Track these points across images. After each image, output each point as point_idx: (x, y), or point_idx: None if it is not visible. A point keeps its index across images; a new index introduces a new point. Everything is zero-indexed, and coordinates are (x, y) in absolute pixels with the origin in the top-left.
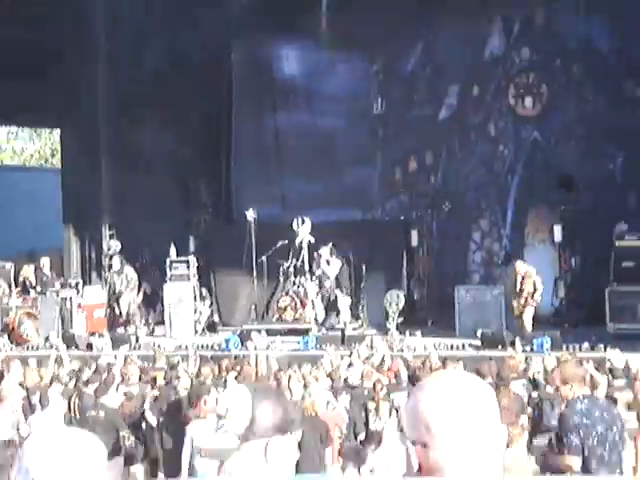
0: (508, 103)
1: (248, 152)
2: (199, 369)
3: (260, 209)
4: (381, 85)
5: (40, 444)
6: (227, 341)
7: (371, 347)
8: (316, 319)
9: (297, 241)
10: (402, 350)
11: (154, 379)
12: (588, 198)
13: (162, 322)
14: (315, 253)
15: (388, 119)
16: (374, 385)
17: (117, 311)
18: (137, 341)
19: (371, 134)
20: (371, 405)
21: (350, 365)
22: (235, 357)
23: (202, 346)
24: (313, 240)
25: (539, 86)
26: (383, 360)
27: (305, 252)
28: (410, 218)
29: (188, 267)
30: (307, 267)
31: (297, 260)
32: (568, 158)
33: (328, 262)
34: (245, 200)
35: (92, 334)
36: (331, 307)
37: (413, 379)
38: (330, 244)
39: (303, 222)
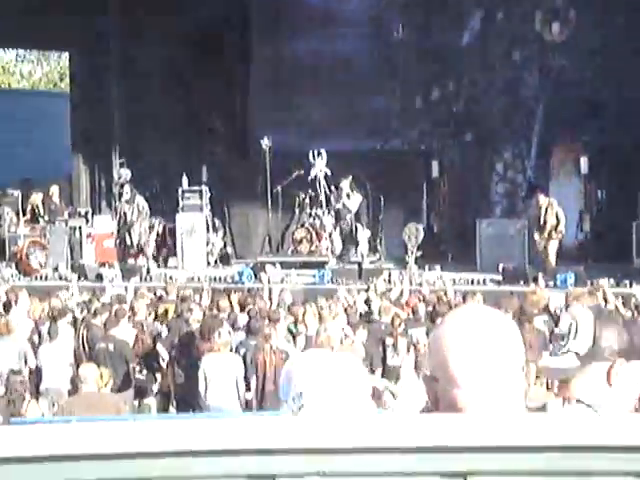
0: (534, 29)
1: (264, 78)
2: (212, 302)
3: (275, 137)
4: (402, 10)
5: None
6: (240, 274)
7: (389, 281)
8: (332, 252)
9: (313, 173)
10: (421, 285)
11: (165, 312)
12: (616, 128)
13: (174, 253)
14: (333, 187)
15: (409, 45)
16: (392, 320)
17: (128, 241)
18: (148, 273)
19: (391, 60)
20: (389, 340)
21: (367, 300)
22: (249, 290)
23: (215, 278)
24: (330, 172)
25: (567, 11)
26: (401, 295)
27: (322, 184)
28: (431, 148)
29: (201, 197)
30: (324, 199)
31: (313, 191)
32: (596, 85)
33: (348, 196)
34: (260, 128)
35: (102, 264)
36: (349, 240)
37: (432, 315)
38: (350, 177)
39: (319, 154)
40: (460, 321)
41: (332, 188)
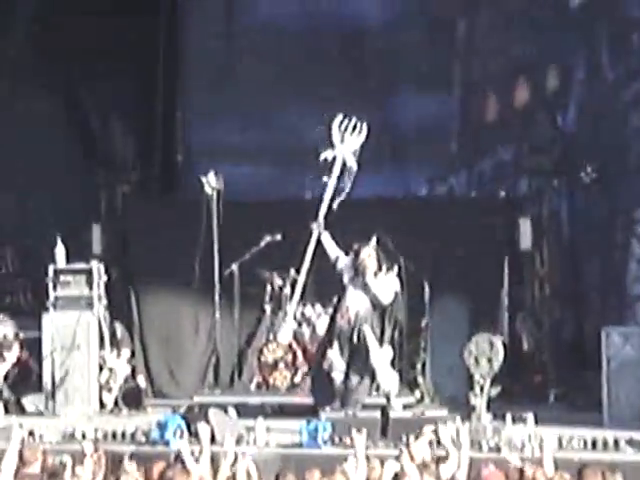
0: None
1: (203, 75)
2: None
3: (229, 173)
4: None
5: None
6: (162, 426)
7: (438, 442)
8: (332, 387)
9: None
10: (499, 448)
11: None
12: None
13: (39, 389)
14: (348, 256)
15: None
16: None
17: None
18: None
19: (439, 38)
20: None
21: (400, 475)
22: (176, 457)
23: (113, 435)
24: (327, 234)
25: None
26: (459, 466)
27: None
28: (517, 194)
29: (89, 281)
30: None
31: (300, 273)
32: None
33: (376, 275)
34: (199, 157)
35: None
36: (362, 365)
37: None
38: (374, 239)
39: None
40: None
41: (340, 259)
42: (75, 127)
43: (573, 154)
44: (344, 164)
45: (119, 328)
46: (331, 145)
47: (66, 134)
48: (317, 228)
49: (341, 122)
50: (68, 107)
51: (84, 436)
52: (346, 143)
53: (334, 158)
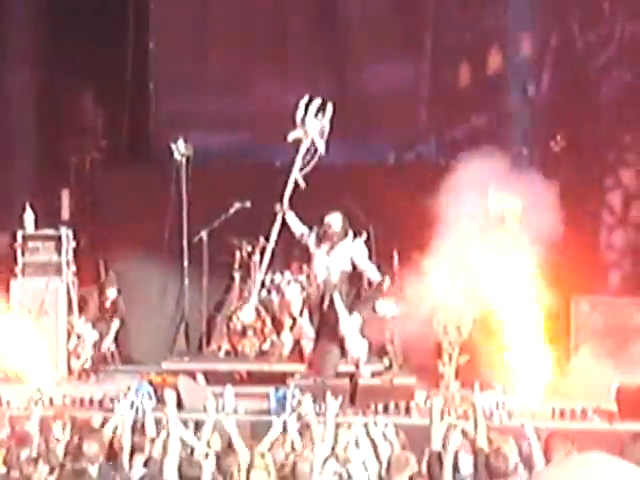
0: None
1: (174, 30)
2: (72, 442)
3: (199, 138)
4: None
5: None
6: (132, 392)
7: (407, 410)
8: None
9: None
10: (466, 418)
11: None
12: None
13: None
14: (323, 227)
15: None
16: None
17: None
18: None
19: (410, 5)
20: None
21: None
22: (142, 425)
23: (81, 401)
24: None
25: None
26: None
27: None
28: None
29: (58, 248)
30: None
31: (269, 239)
32: None
33: (342, 245)
34: (170, 122)
35: None
36: (329, 331)
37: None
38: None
39: (319, 111)
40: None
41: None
42: (44, 94)
43: (543, 123)
44: (312, 144)
45: (87, 295)
46: (298, 126)
47: (36, 101)
48: (280, 210)
49: (307, 103)
50: (38, 74)
51: (51, 402)
52: (312, 124)
53: (300, 139)
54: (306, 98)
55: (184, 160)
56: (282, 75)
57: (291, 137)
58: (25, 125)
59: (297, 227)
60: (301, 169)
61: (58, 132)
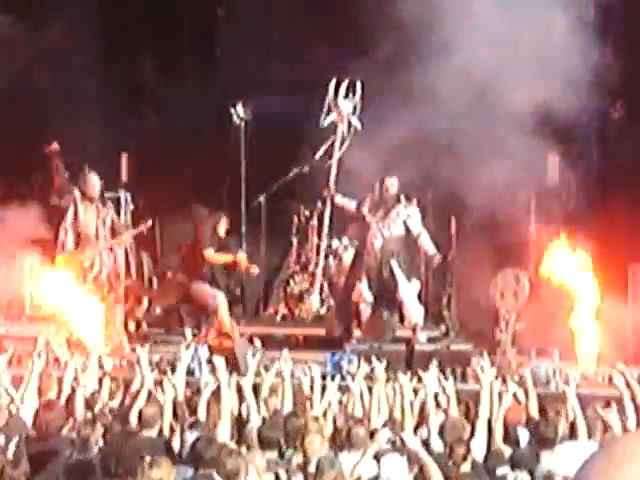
0: None
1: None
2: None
3: (260, 102)
4: None
5: None
6: (189, 355)
7: (463, 376)
8: (359, 319)
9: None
10: (524, 383)
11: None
12: None
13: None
14: (378, 191)
15: None
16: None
17: None
18: None
19: None
20: None
21: (422, 411)
22: (197, 390)
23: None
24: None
25: None
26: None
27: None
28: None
29: (117, 210)
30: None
31: (328, 205)
32: None
33: (396, 210)
34: (234, 85)
35: None
36: (387, 298)
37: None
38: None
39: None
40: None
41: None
42: (107, 59)
43: (603, 90)
44: (348, 124)
45: (144, 256)
46: (330, 110)
47: (98, 65)
48: (328, 195)
49: (336, 86)
50: (101, 40)
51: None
52: (344, 104)
53: (335, 122)
54: (334, 81)
55: (243, 124)
56: (341, 41)
57: (326, 121)
58: (87, 89)
59: (348, 204)
60: (340, 148)
61: (119, 97)
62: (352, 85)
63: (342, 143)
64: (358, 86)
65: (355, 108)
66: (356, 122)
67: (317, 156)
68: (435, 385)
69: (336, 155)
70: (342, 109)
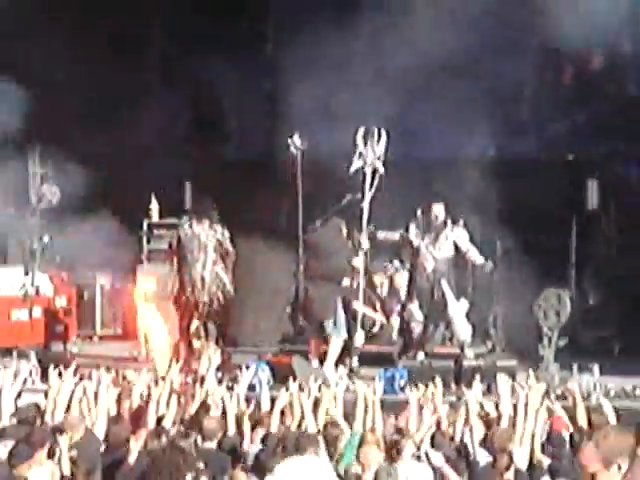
0: None
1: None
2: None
3: (315, 134)
4: None
5: None
6: (252, 371)
7: (512, 391)
8: (408, 337)
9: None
10: (565, 398)
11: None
12: None
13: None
14: (425, 217)
15: None
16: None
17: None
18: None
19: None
20: None
21: (466, 423)
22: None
23: (201, 379)
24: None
25: None
26: (527, 414)
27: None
28: (585, 156)
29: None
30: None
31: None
32: None
33: (445, 233)
34: (289, 117)
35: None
36: (435, 315)
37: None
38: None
39: (376, 136)
40: None
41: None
42: (170, 92)
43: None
44: (373, 170)
45: None
46: (359, 156)
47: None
48: (371, 235)
49: (364, 134)
50: (163, 75)
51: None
52: (369, 153)
53: (363, 167)
54: (361, 130)
55: (299, 154)
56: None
57: (353, 168)
58: (153, 122)
59: (392, 236)
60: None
61: (183, 129)
62: (378, 132)
63: (371, 186)
64: (383, 133)
65: (380, 155)
66: (381, 168)
67: (346, 199)
68: (479, 398)
69: (366, 199)
70: (368, 157)
